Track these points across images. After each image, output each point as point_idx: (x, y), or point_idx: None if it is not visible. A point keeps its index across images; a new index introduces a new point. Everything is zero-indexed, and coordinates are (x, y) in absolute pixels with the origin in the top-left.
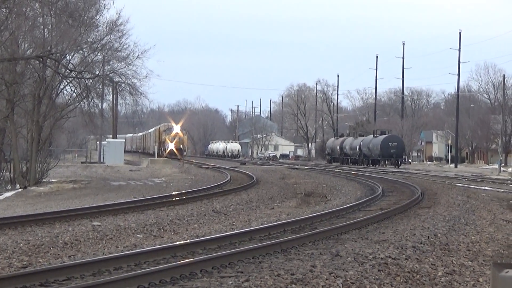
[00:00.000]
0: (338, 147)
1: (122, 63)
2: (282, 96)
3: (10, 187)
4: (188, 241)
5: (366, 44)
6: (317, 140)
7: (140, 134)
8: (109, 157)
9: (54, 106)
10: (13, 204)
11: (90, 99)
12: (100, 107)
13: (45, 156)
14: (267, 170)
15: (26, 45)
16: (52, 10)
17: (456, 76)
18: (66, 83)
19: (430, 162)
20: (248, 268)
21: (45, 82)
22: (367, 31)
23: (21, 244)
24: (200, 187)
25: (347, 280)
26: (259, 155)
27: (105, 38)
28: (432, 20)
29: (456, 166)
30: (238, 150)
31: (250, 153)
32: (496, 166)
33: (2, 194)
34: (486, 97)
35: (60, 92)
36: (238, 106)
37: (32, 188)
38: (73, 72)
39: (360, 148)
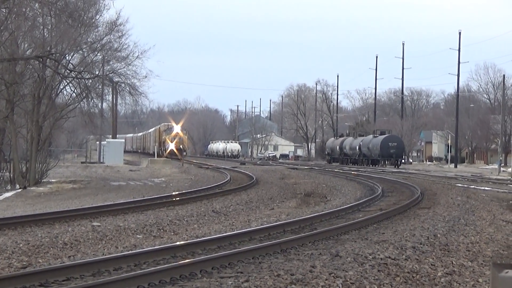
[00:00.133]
0: (337, 147)
1: (122, 63)
2: (282, 96)
3: (9, 187)
4: (188, 241)
5: (366, 44)
6: (316, 140)
7: (140, 134)
8: (108, 157)
9: (54, 106)
10: (12, 205)
11: (89, 99)
12: (100, 107)
13: (44, 156)
14: (266, 170)
15: (26, 45)
16: (51, 10)
17: (456, 76)
18: (66, 83)
19: (429, 162)
20: (247, 269)
21: (44, 82)
22: (367, 31)
23: (21, 245)
24: (200, 187)
25: (347, 281)
26: (259, 155)
27: (105, 38)
28: (431, 20)
29: (455, 166)
30: (238, 150)
31: (249, 153)
32: (495, 166)
33: (1, 194)
34: (486, 97)
35: (59, 92)
36: (238, 106)
37: (31, 188)
38: (72, 72)
39: (359, 148)
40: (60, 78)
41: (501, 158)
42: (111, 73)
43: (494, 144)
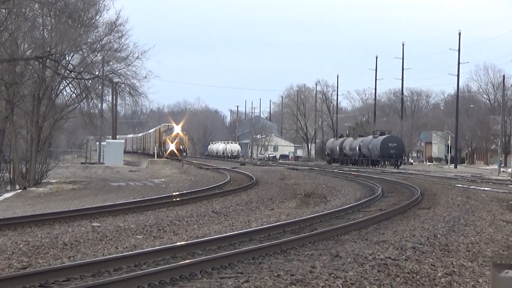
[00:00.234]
0: (337, 148)
1: (122, 63)
2: (282, 97)
3: (9, 188)
4: (187, 242)
5: (366, 44)
6: (316, 140)
7: (140, 134)
8: (108, 157)
9: (54, 106)
10: (12, 205)
11: (89, 100)
12: (99, 107)
13: (44, 156)
14: (266, 170)
15: (26, 45)
16: (51, 10)
17: (456, 77)
18: (66, 84)
19: (429, 163)
20: (248, 269)
21: (44, 83)
22: (367, 32)
23: (21, 245)
24: (199, 188)
25: (347, 281)
26: (259, 155)
27: (105, 39)
28: (431, 21)
29: (455, 167)
30: (238, 151)
31: (249, 154)
32: (495, 166)
33: (1, 195)
34: (486, 97)
35: (59, 92)
36: (237, 106)
37: (31, 189)
38: (72, 72)
39: (359, 148)
40: (60, 78)
41: (501, 159)
42: (111, 73)
43: (494, 144)
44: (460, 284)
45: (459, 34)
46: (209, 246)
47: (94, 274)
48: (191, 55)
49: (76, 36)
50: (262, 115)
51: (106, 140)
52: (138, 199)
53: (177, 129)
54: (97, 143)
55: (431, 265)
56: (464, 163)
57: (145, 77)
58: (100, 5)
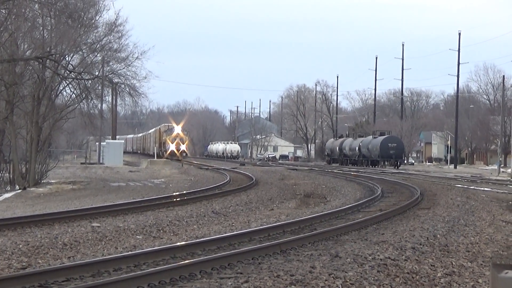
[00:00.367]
0: (337, 148)
1: (122, 64)
2: (282, 97)
3: (9, 188)
4: (187, 242)
5: (366, 45)
6: (316, 141)
7: (140, 135)
8: (108, 158)
9: (54, 107)
10: (12, 205)
11: (89, 100)
12: (99, 108)
13: (44, 157)
14: (266, 171)
15: (26, 46)
16: (51, 11)
17: (456, 77)
18: (66, 84)
19: (429, 163)
20: (247, 269)
21: (44, 83)
22: (367, 32)
23: (21, 245)
24: (199, 188)
25: (347, 281)
26: (259, 156)
27: (105, 39)
28: (431, 21)
29: (455, 167)
30: (238, 151)
31: (249, 154)
32: (495, 167)
33: (1, 195)
34: (486, 98)
35: (59, 93)
36: (237, 107)
37: (31, 189)
38: (72, 73)
39: (359, 149)
40: (59, 79)
41: (500, 159)
42: (110, 74)
43: (493, 145)
44: (459, 284)
45: (459, 34)
46: (208, 246)
47: (93, 274)
48: (191, 55)
49: (76, 36)
50: (262, 116)
51: (106, 141)
52: (138, 200)
53: (178, 129)
54: (97, 143)
55: (431, 265)
56: (464, 163)
57: (145, 78)
58: (100, 5)
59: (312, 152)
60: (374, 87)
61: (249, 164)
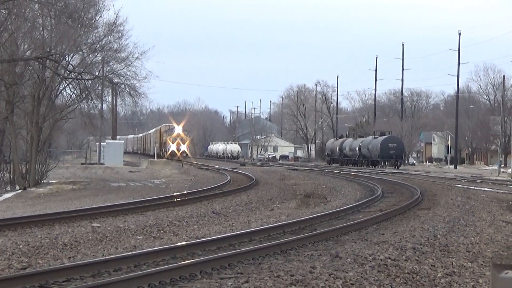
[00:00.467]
0: (337, 148)
1: (122, 64)
2: (282, 97)
3: (9, 188)
4: (187, 242)
5: (366, 45)
6: (316, 141)
7: (141, 135)
8: (108, 158)
9: (54, 107)
10: (12, 205)
11: (89, 100)
12: (99, 108)
13: (44, 157)
14: (266, 171)
15: (26, 46)
16: (51, 11)
17: (456, 77)
18: (66, 84)
19: (429, 163)
20: (247, 269)
21: (44, 83)
22: (367, 32)
23: (21, 246)
24: (199, 188)
25: (347, 281)
26: (259, 156)
27: (105, 39)
28: (431, 21)
29: (455, 167)
30: (238, 151)
31: (249, 154)
32: (495, 167)
33: (1, 195)
34: (486, 98)
35: (59, 93)
36: (237, 107)
37: (31, 189)
38: (72, 73)
39: (359, 149)
40: (60, 79)
41: (501, 159)
42: (110, 74)
43: (494, 145)
44: (460, 284)
45: (459, 34)
46: (209, 246)
47: (94, 275)
48: (191, 55)
49: (76, 36)
50: (262, 116)
51: (106, 141)
52: (138, 200)
53: (178, 129)
54: (97, 143)
55: (431, 265)
56: (464, 163)
57: (145, 78)
58: (100, 5)
59: (312, 152)
60: (374, 87)
61: (249, 164)
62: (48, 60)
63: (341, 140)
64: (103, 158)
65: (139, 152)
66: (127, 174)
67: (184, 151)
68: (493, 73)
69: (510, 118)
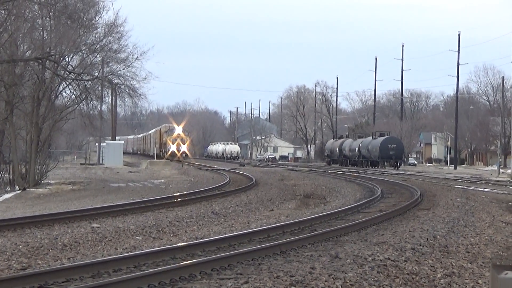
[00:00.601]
0: (337, 149)
1: (121, 64)
2: (281, 98)
3: (9, 189)
4: (187, 243)
5: (365, 46)
6: (316, 141)
7: (140, 135)
8: (108, 158)
9: (53, 108)
10: (12, 206)
11: (89, 101)
12: (99, 108)
13: (44, 157)
14: (266, 171)
15: (25, 46)
16: (51, 11)
17: (455, 78)
18: (65, 85)
19: (429, 164)
20: (247, 270)
21: (44, 84)
22: (367, 33)
23: (20, 246)
24: (199, 189)
25: (346, 282)
26: (258, 156)
27: (104, 40)
28: (431, 22)
29: (455, 168)
30: (237, 152)
31: (249, 155)
32: (495, 167)
33: (1, 196)
34: (485, 99)
35: (59, 94)
36: (237, 108)
37: (31, 189)
38: (72, 73)
39: (359, 149)
40: (59, 79)
41: (500, 160)
42: (110, 74)
43: (493, 145)
44: (459, 285)
45: (459, 35)
46: (208, 247)
47: (93, 275)
48: (191, 56)
49: (76, 37)
50: (261, 116)
51: (106, 141)
52: (138, 200)
53: (178, 129)
54: (97, 144)
55: (431, 266)
56: (464, 164)
57: (145, 78)
58: (100, 6)
59: (312, 153)
60: (374, 88)
61: (248, 165)
62: (47, 61)
63: (340, 140)
64: (102, 159)
65: (138, 152)
66: (127, 175)
67: (184, 152)
68: (492, 73)
69: (510, 119)
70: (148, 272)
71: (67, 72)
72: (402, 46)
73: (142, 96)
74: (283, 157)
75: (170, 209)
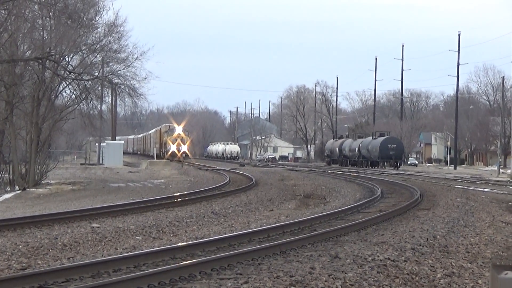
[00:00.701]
0: (337, 149)
1: (121, 64)
2: (281, 98)
3: (9, 189)
4: (187, 243)
5: (365, 45)
6: (316, 141)
7: (140, 135)
8: (108, 159)
9: (53, 107)
10: (12, 206)
11: (89, 101)
12: (99, 108)
13: (44, 157)
14: (266, 171)
15: (25, 46)
16: (51, 11)
17: (455, 78)
18: (65, 85)
19: (429, 164)
20: (247, 270)
21: (44, 84)
22: (366, 33)
23: (20, 246)
24: (199, 189)
25: (346, 282)
26: (258, 156)
27: (104, 40)
28: (431, 22)
29: (455, 168)
30: (237, 152)
31: (249, 155)
32: (495, 167)
33: (1, 196)
34: (485, 98)
35: (59, 93)
36: (237, 107)
37: (31, 189)
38: (72, 73)
39: (359, 149)
40: (59, 79)
41: (500, 160)
42: (110, 74)
43: (493, 145)
44: (459, 285)
45: (459, 35)
46: (208, 247)
47: (93, 275)
48: (191, 56)
49: (76, 37)
50: (261, 116)
51: (106, 141)
52: (138, 200)
53: (179, 129)
54: (97, 144)
55: (431, 266)
56: (464, 164)
57: (145, 78)
58: (100, 6)
59: (312, 153)
60: (374, 88)
61: (248, 165)
62: (47, 61)
63: (340, 140)
64: (102, 159)
65: (138, 152)
66: (127, 175)
67: (184, 152)
68: (492, 73)
69: (510, 119)
70: (148, 272)
71: (67, 72)
72: (402, 46)
73: (142, 96)
74: (283, 157)
75: (170, 209)
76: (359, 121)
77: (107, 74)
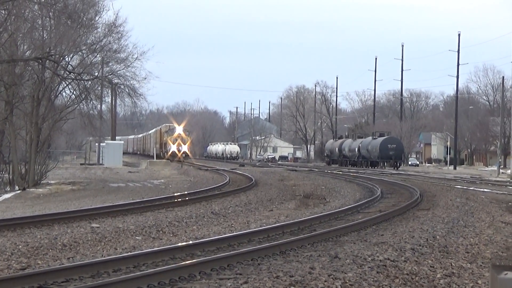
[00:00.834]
0: (337, 149)
1: (121, 64)
2: (281, 98)
3: (9, 189)
4: (187, 243)
5: (365, 46)
6: (316, 142)
7: (140, 135)
8: (108, 159)
9: (53, 107)
10: (11, 206)
11: (89, 101)
12: (99, 108)
13: (44, 157)
14: (266, 172)
15: (25, 46)
16: (51, 11)
17: (455, 78)
18: (65, 85)
19: (429, 164)
20: (247, 270)
21: (44, 84)
22: (366, 33)
23: (20, 246)
24: (199, 189)
25: (346, 282)
26: (258, 157)
27: (104, 40)
28: (431, 22)
29: (455, 168)
30: (237, 152)
31: (249, 155)
32: (495, 168)
33: (1, 196)
34: (485, 99)
35: (59, 93)
36: (237, 108)
37: (31, 189)
38: (72, 73)
39: (359, 150)
40: (59, 79)
41: (500, 160)
42: (110, 74)
43: (493, 146)
44: (459, 285)
45: (459, 35)
46: (208, 247)
47: (93, 275)
48: (191, 56)
49: (76, 37)
50: (261, 116)
51: (106, 141)
52: (137, 200)
53: (179, 129)
54: (97, 144)
55: (430, 266)
56: (464, 164)
57: (145, 78)
58: (100, 6)
59: (312, 153)
60: (373, 88)
61: (248, 165)
62: (47, 61)
63: (340, 141)
64: (102, 159)
65: (138, 152)
66: (127, 175)
67: (185, 152)
68: (492, 74)
69: (510, 119)
70: (147, 272)
71: (67, 72)
72: (402, 46)
73: (142, 96)
74: (283, 157)
75: (170, 209)
76: (359, 121)
77: (107, 74)
